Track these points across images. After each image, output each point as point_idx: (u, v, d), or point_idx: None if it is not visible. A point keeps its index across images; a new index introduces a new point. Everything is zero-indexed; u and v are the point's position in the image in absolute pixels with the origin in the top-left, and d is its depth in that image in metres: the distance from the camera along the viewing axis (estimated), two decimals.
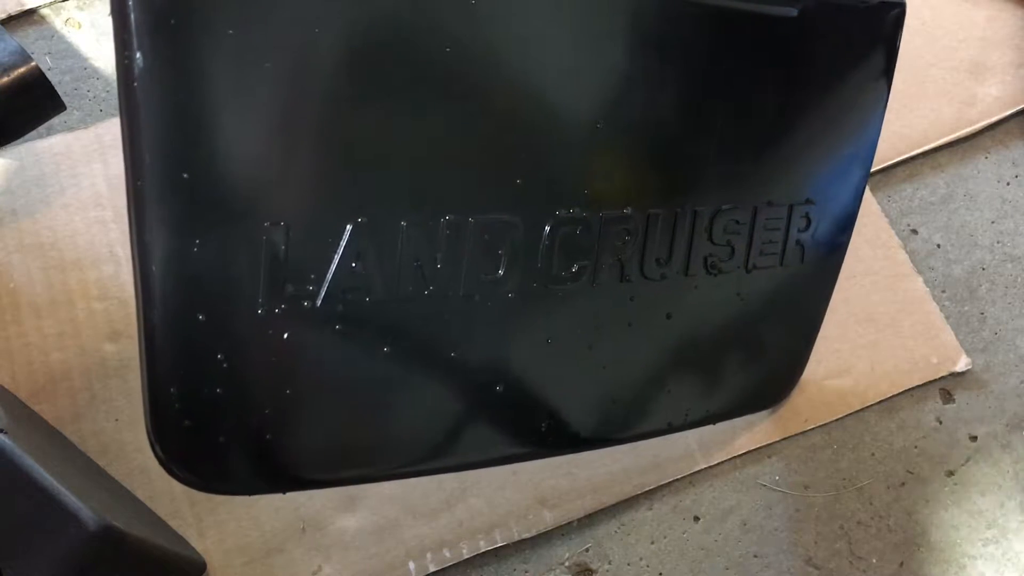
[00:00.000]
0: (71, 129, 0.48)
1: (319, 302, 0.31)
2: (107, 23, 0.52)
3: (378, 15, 0.30)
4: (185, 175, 0.28)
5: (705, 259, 0.40)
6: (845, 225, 0.44)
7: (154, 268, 0.29)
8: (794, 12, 0.38)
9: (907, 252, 0.54)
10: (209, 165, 0.29)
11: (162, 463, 0.31)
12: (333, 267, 0.31)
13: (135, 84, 0.27)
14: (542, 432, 0.38)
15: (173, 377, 0.30)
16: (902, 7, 0.41)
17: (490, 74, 0.33)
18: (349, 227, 0.31)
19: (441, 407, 0.36)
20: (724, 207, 0.39)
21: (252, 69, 0.29)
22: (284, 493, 0.37)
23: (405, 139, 0.32)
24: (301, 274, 0.31)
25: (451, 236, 0.33)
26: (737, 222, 0.40)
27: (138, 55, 0.27)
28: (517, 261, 0.35)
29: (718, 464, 0.47)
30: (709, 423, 0.44)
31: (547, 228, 0.35)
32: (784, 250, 0.42)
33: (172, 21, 0.27)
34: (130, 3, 0.27)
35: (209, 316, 0.30)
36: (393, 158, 0.32)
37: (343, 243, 0.31)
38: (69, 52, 0.51)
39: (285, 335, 0.31)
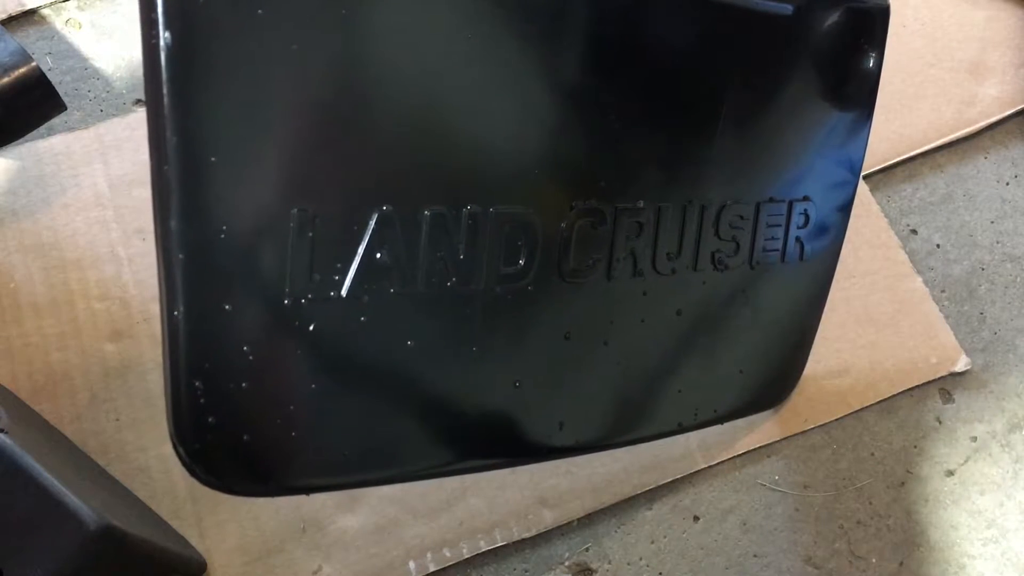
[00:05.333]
0: (72, 129, 0.48)
1: (344, 292, 0.31)
2: (108, 23, 0.52)
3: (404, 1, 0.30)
4: (213, 159, 0.28)
5: (712, 254, 0.40)
6: (841, 222, 0.45)
7: (180, 256, 0.28)
8: (789, 10, 0.39)
9: (907, 252, 0.54)
10: (237, 148, 0.28)
11: (185, 464, 0.30)
12: (359, 255, 0.31)
13: (162, 65, 0.27)
14: (559, 432, 0.38)
15: (198, 370, 0.29)
16: (887, 8, 0.42)
17: (508, 66, 0.33)
18: (375, 215, 0.31)
19: (464, 404, 0.36)
20: (729, 203, 0.40)
21: (281, 50, 0.28)
22: (308, 495, 0.36)
23: (429, 127, 0.32)
24: (327, 262, 0.31)
25: (472, 227, 0.33)
26: (741, 217, 0.41)
27: (166, 35, 0.27)
28: (536, 253, 0.35)
29: (718, 464, 0.47)
30: (717, 423, 0.44)
31: (564, 219, 0.35)
32: (785, 246, 0.42)
33: (201, 0, 0.27)
34: None
35: (235, 306, 0.29)
36: (417, 146, 0.32)
37: (369, 231, 0.31)
38: (70, 52, 0.51)
39: (311, 326, 0.31)
